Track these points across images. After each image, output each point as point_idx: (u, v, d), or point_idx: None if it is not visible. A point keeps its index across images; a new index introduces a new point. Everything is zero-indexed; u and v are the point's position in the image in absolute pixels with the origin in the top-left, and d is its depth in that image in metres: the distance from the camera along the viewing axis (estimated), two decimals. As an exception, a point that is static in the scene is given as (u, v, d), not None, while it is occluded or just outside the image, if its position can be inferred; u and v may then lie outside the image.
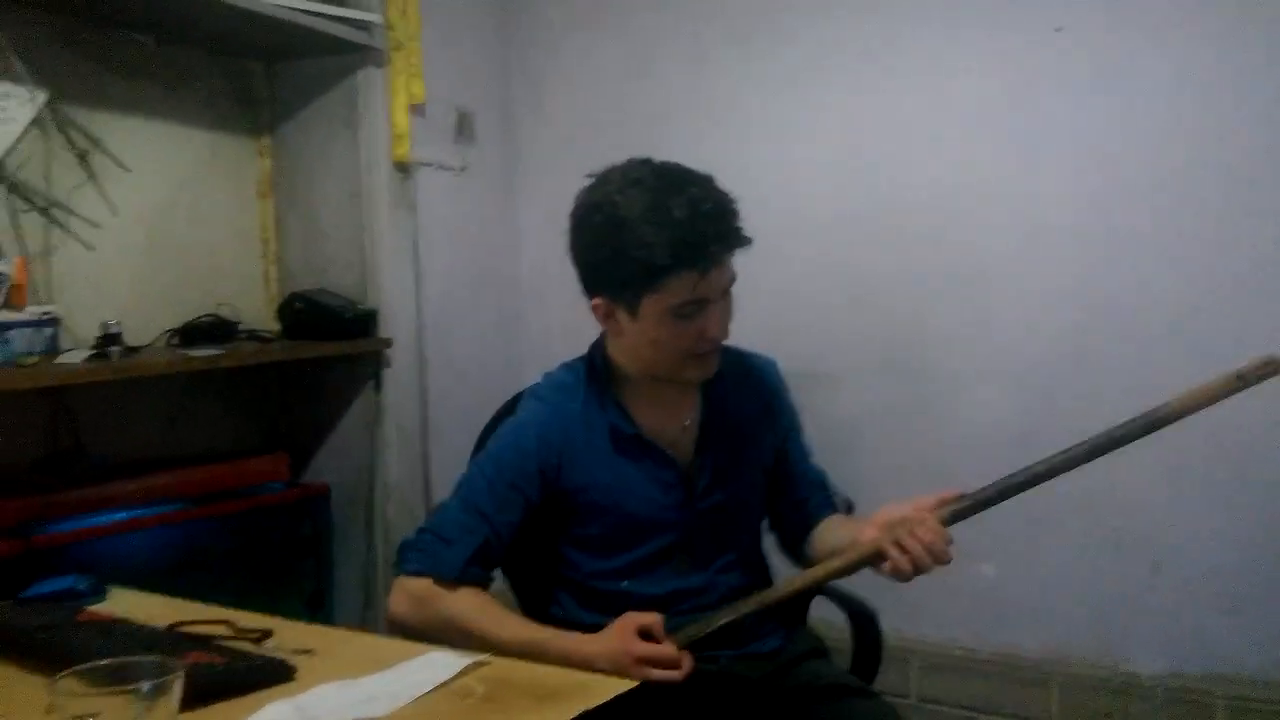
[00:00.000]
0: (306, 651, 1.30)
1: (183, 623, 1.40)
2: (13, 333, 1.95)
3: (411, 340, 2.70)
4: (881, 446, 2.60)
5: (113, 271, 2.36)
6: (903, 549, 1.38)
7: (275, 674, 1.21)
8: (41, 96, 2.16)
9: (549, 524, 1.59)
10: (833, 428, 2.54)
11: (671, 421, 1.61)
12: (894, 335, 2.60)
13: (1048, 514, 2.40)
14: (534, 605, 1.70)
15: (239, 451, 2.56)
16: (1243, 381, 1.35)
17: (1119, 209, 2.36)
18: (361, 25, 2.54)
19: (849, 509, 1.73)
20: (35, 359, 1.97)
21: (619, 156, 1.56)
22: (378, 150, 2.62)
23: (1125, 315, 2.36)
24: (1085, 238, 2.39)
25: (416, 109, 2.68)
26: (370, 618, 2.62)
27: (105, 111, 2.34)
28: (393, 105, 2.63)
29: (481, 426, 1.79)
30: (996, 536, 2.40)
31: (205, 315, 2.45)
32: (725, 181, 1.52)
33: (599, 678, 1.22)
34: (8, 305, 1.98)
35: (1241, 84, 2.25)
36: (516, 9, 3.04)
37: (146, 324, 2.36)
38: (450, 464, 2.49)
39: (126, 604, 1.54)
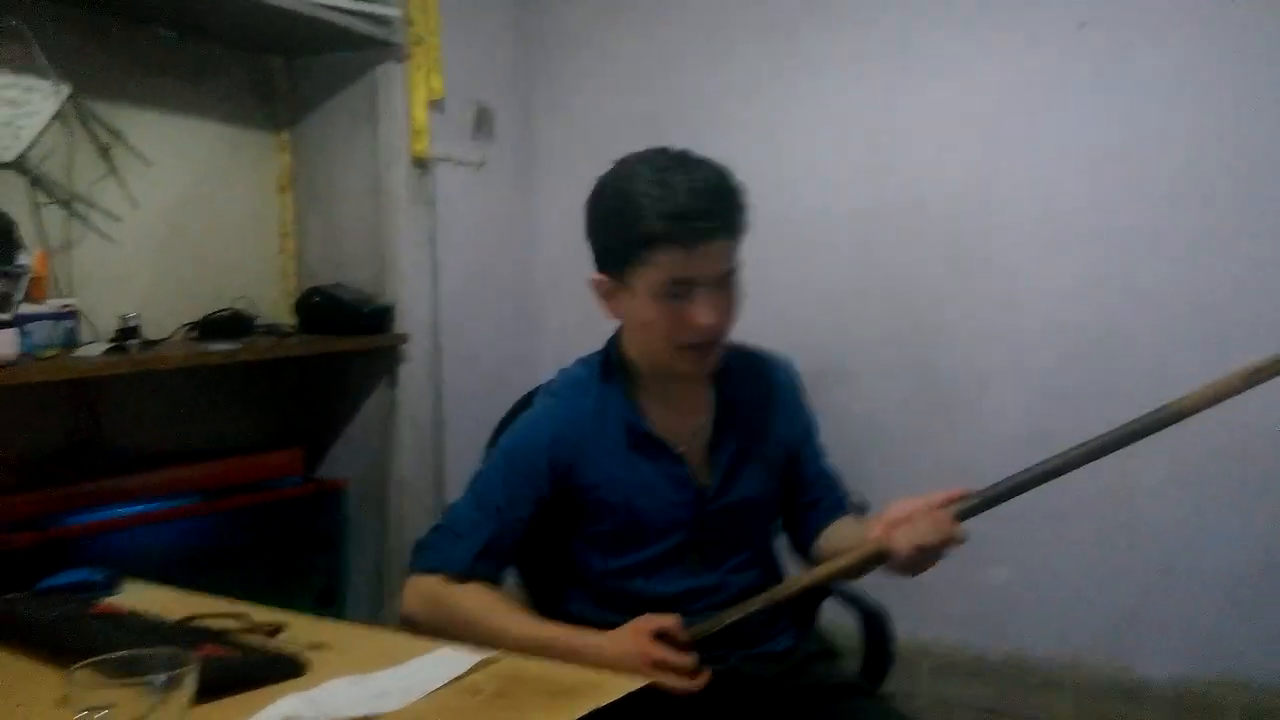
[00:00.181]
0: (319, 646, 1.30)
1: (196, 616, 1.41)
2: (33, 325, 1.96)
3: (427, 335, 2.71)
4: (899, 445, 2.60)
5: (132, 265, 2.37)
6: (910, 537, 1.38)
7: (288, 668, 1.22)
8: (65, 90, 2.17)
9: (560, 522, 1.59)
10: (851, 426, 2.54)
11: (684, 420, 1.60)
12: (912, 333, 2.59)
13: (1061, 517, 2.39)
14: (545, 604, 1.70)
15: (255, 445, 2.57)
16: (1259, 376, 1.34)
17: (1141, 207, 2.35)
18: (382, 20, 2.54)
19: (862, 510, 1.73)
20: (55, 351, 1.98)
21: (637, 153, 1.56)
22: (397, 145, 2.63)
23: (1145, 313, 2.35)
24: (1106, 236, 2.38)
25: (435, 105, 2.69)
26: (381, 614, 2.63)
27: (127, 105, 2.35)
28: (412, 101, 2.63)
29: (496, 422, 1.80)
30: (1009, 539, 2.39)
31: (223, 309, 2.46)
32: (745, 178, 1.51)
33: (610, 675, 1.22)
34: (28, 298, 1.99)
35: (1265, 80, 2.23)
36: (536, 6, 3.05)
37: (165, 317, 2.38)
38: (464, 460, 2.49)
39: (141, 597, 1.55)
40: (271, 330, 2.52)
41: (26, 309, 1.97)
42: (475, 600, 1.48)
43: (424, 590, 1.51)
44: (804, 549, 1.72)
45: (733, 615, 1.48)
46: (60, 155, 2.22)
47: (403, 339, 2.64)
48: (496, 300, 2.96)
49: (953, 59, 2.52)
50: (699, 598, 1.56)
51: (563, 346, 1.76)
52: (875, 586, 1.61)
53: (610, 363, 1.61)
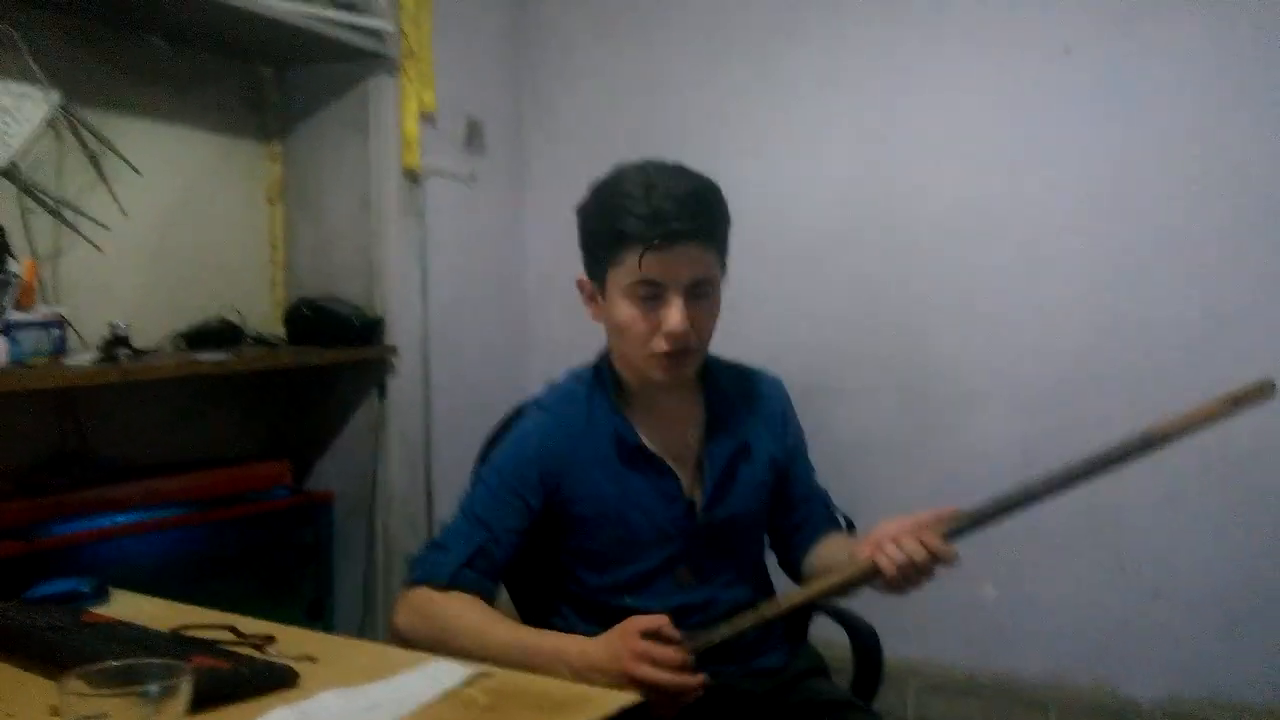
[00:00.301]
0: (309, 658, 1.29)
1: (186, 626, 1.40)
2: (21, 333, 1.96)
3: (417, 348, 2.71)
4: (887, 465, 2.61)
5: (121, 274, 2.37)
6: (895, 556, 1.38)
7: (279, 680, 1.21)
8: (55, 98, 2.17)
9: (550, 537, 1.59)
10: (839, 445, 2.55)
11: (674, 434, 1.60)
12: (901, 353, 2.61)
13: (1049, 538, 2.41)
14: (535, 621, 1.69)
15: (243, 456, 2.57)
16: (1236, 405, 1.35)
17: (1128, 229, 2.38)
18: (374, 33, 2.55)
19: (849, 528, 1.73)
20: (43, 360, 1.98)
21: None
22: (388, 158, 2.64)
23: (1133, 335, 2.37)
24: (1094, 258, 2.41)
25: (427, 117, 2.70)
26: (369, 627, 2.62)
27: (117, 114, 2.35)
28: (403, 113, 2.64)
29: (485, 435, 1.79)
30: (998, 559, 2.41)
31: (212, 319, 2.46)
32: (734, 195, 1.53)
33: (604, 691, 1.22)
34: (16, 306, 1.98)
35: (1251, 104, 2.26)
36: (528, 19, 3.06)
37: (153, 327, 2.37)
38: (452, 473, 2.50)
39: (129, 607, 1.54)
40: (261, 341, 2.52)
41: (15, 317, 1.97)
42: (458, 608, 1.46)
43: (411, 602, 1.50)
44: (792, 566, 1.72)
45: (724, 632, 1.48)
46: (50, 163, 2.21)
47: (392, 351, 2.64)
48: (486, 313, 2.97)
49: (941, 83, 2.55)
50: (690, 613, 1.56)
51: (552, 360, 1.77)
52: (865, 605, 1.61)
53: (601, 376, 1.62)
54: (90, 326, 2.21)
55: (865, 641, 1.72)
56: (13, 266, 2.00)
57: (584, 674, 1.31)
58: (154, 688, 0.93)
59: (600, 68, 2.98)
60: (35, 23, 2.15)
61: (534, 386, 1.70)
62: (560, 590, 1.64)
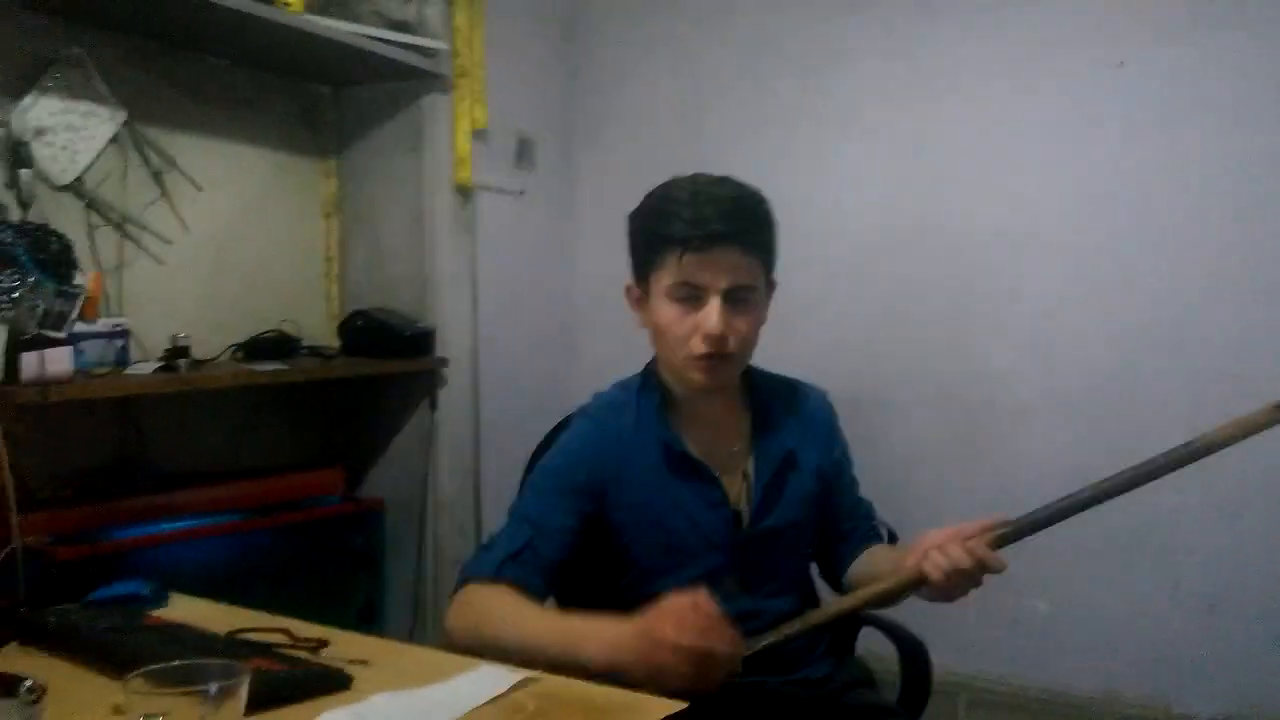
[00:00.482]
0: (362, 662, 1.32)
1: (242, 630, 1.43)
2: (86, 344, 2.01)
3: (467, 360, 2.75)
4: (935, 477, 2.60)
5: (182, 286, 2.42)
6: (942, 564, 1.38)
7: (333, 682, 1.24)
8: (120, 116, 2.23)
9: (595, 545, 1.61)
10: (887, 458, 2.54)
11: (721, 444, 1.61)
12: (949, 366, 2.60)
13: (1102, 552, 2.38)
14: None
15: (297, 464, 2.61)
16: (1278, 414, 1.34)
17: (1179, 243, 2.36)
18: (428, 52, 2.59)
19: (892, 539, 1.73)
20: (107, 369, 2.03)
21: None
22: (440, 173, 2.68)
23: (1184, 349, 2.35)
24: (1144, 271, 2.39)
25: (479, 134, 2.73)
26: (420, 632, 2.65)
27: (179, 132, 2.41)
28: (456, 130, 2.68)
29: (533, 445, 1.81)
30: (1050, 573, 2.39)
31: (269, 331, 2.51)
32: (783, 211, 1.55)
33: (650, 698, 1.23)
34: (82, 317, 2.03)
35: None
36: (579, 39, 3.10)
37: (212, 339, 2.42)
38: (502, 482, 2.52)
39: (187, 610, 1.58)
40: (315, 352, 2.57)
41: (80, 328, 2.02)
42: (497, 600, 1.45)
43: (457, 601, 1.50)
44: (835, 577, 1.73)
45: (769, 639, 1.49)
46: (115, 179, 2.27)
47: (443, 362, 2.67)
48: (534, 326, 3.00)
49: (993, 97, 2.54)
50: (736, 623, 1.56)
51: (599, 372, 1.79)
52: (914, 618, 1.61)
53: (647, 385, 1.63)
54: (152, 338, 2.26)
55: (914, 654, 1.72)
56: (79, 279, 2.05)
57: (615, 651, 1.28)
58: (213, 688, 0.95)
59: (648, 86, 3.01)
60: (103, 44, 2.22)
61: (581, 398, 1.72)
62: (605, 601, 1.65)
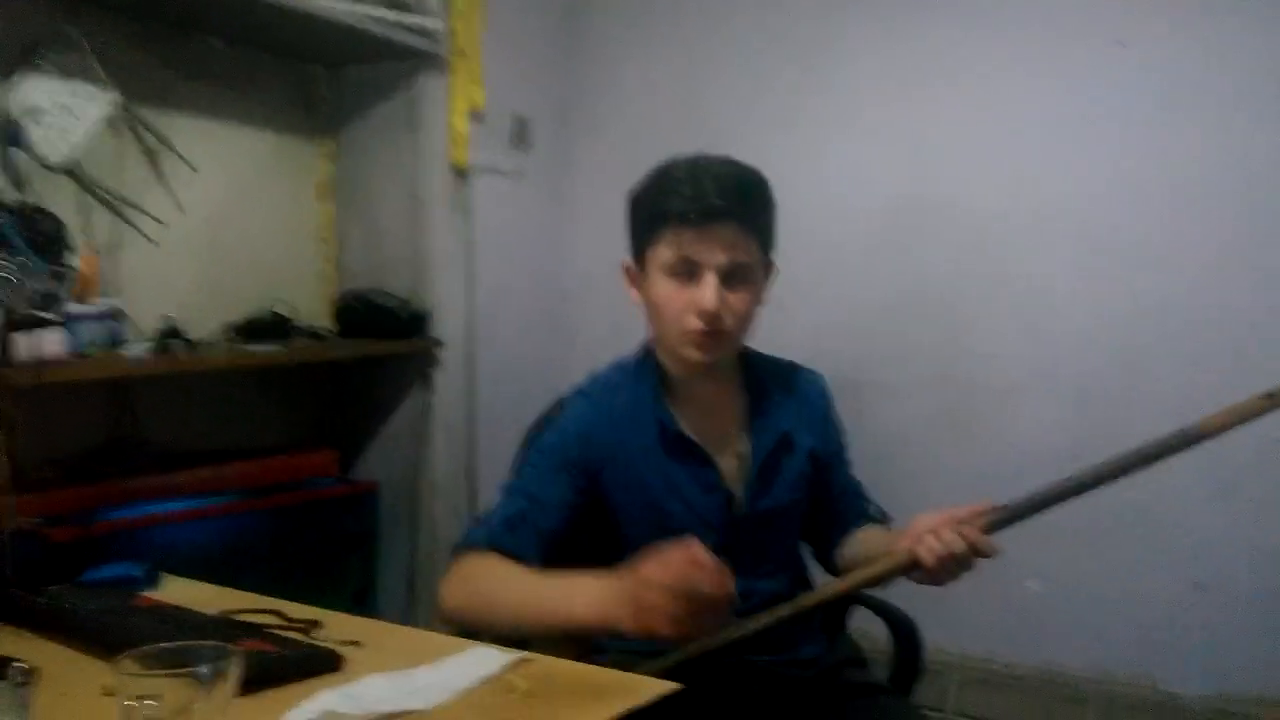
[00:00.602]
0: (354, 643, 1.33)
1: (234, 611, 1.43)
2: (79, 325, 2.00)
3: (462, 341, 2.74)
4: (930, 458, 2.61)
5: (176, 268, 2.41)
6: (935, 548, 1.39)
7: (324, 664, 1.24)
8: (114, 96, 2.22)
9: (589, 524, 1.61)
10: (882, 438, 2.56)
11: (716, 426, 1.62)
12: (944, 347, 2.60)
13: (1092, 530, 2.39)
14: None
15: (291, 446, 2.61)
16: (1272, 402, 1.35)
17: (1177, 224, 2.35)
18: (424, 32, 2.58)
19: (884, 519, 1.74)
20: (100, 351, 2.02)
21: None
22: (436, 154, 2.67)
23: (1182, 331, 2.35)
24: (1143, 252, 2.39)
25: (475, 115, 2.72)
26: (413, 614, 2.66)
27: (174, 112, 2.40)
28: (452, 111, 2.67)
29: (528, 427, 1.81)
30: (1040, 552, 2.40)
31: (264, 312, 2.50)
32: (780, 192, 1.56)
33: (643, 679, 1.23)
34: (75, 298, 2.03)
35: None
36: (576, 20, 3.08)
37: (207, 319, 2.41)
38: (496, 464, 2.51)
39: (180, 592, 1.58)
40: (310, 333, 2.56)
41: (73, 309, 2.01)
42: (489, 568, 1.44)
43: (451, 575, 1.49)
44: (827, 558, 1.73)
45: (761, 621, 1.49)
46: (109, 159, 2.26)
47: (438, 344, 2.67)
48: (530, 307, 2.99)
49: (990, 75, 2.53)
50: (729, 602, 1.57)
51: (594, 353, 1.79)
52: (905, 597, 1.62)
53: (644, 366, 1.63)
54: (146, 319, 2.25)
55: (905, 633, 1.73)
56: (72, 260, 2.04)
57: (604, 604, 1.26)
58: (205, 669, 0.95)
59: (646, 68, 2.99)
60: (97, 24, 2.20)
61: (576, 379, 1.72)
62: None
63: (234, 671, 0.96)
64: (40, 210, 2.03)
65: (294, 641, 1.31)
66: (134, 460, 2.26)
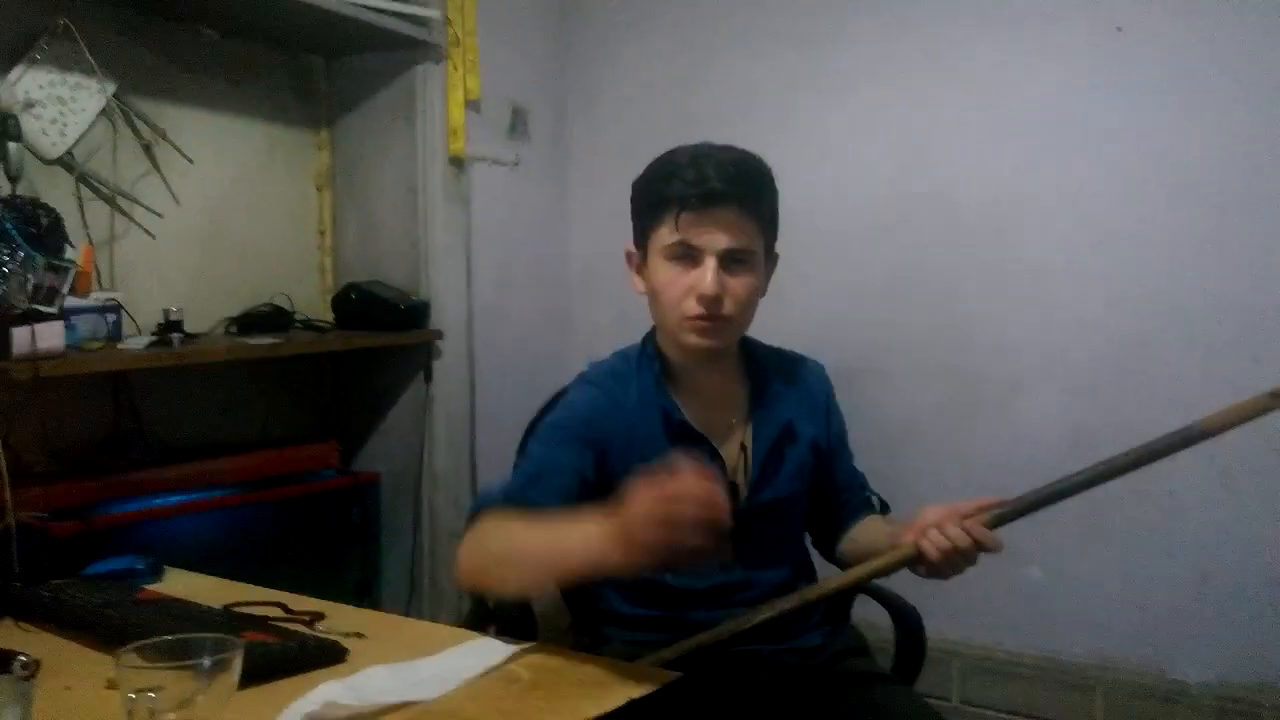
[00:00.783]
0: (357, 635, 1.33)
1: (238, 604, 1.44)
2: (78, 318, 2.00)
3: (462, 332, 2.74)
4: (934, 448, 2.60)
5: (174, 260, 2.41)
6: (939, 542, 1.39)
7: (328, 655, 1.24)
8: (110, 88, 2.21)
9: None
10: (885, 429, 2.55)
11: (719, 416, 1.61)
12: (948, 337, 2.59)
13: (1097, 518, 2.39)
14: (577, 596, 1.71)
15: (291, 438, 2.61)
16: (1276, 400, 1.35)
17: (1179, 211, 2.34)
18: (421, 21, 2.57)
19: (884, 510, 1.73)
20: (99, 344, 2.02)
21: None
22: (433, 144, 2.66)
23: (1185, 319, 2.34)
24: (1144, 241, 2.38)
25: (472, 104, 2.71)
26: (415, 605, 2.66)
27: (170, 103, 2.39)
28: (449, 100, 2.66)
29: (528, 417, 1.81)
30: (1044, 540, 2.40)
31: (262, 304, 2.50)
32: (780, 180, 1.55)
33: (647, 669, 1.23)
34: (73, 292, 2.02)
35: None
36: (573, 8, 3.07)
37: (205, 312, 2.42)
38: (497, 455, 2.52)
39: (182, 584, 1.58)
40: (309, 325, 2.56)
41: (72, 302, 2.01)
42: (497, 524, 1.37)
43: (465, 539, 1.42)
44: (828, 548, 1.73)
45: (765, 613, 1.49)
46: (105, 152, 2.26)
47: (438, 335, 2.67)
48: (529, 297, 2.99)
49: (989, 62, 2.52)
50: (731, 593, 1.57)
51: (594, 343, 1.79)
52: (908, 586, 1.61)
53: (647, 355, 1.63)
54: (144, 312, 2.25)
55: (908, 622, 1.72)
56: (69, 254, 2.04)
57: (600, 545, 1.18)
58: (207, 661, 0.95)
59: (644, 55, 2.98)
60: (91, 15, 2.19)
61: (575, 368, 1.71)
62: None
63: (235, 663, 0.97)
64: (37, 204, 2.03)
65: (297, 633, 1.31)
66: (134, 453, 2.26)
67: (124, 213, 2.30)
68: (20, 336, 1.82)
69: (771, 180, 1.55)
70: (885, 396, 2.63)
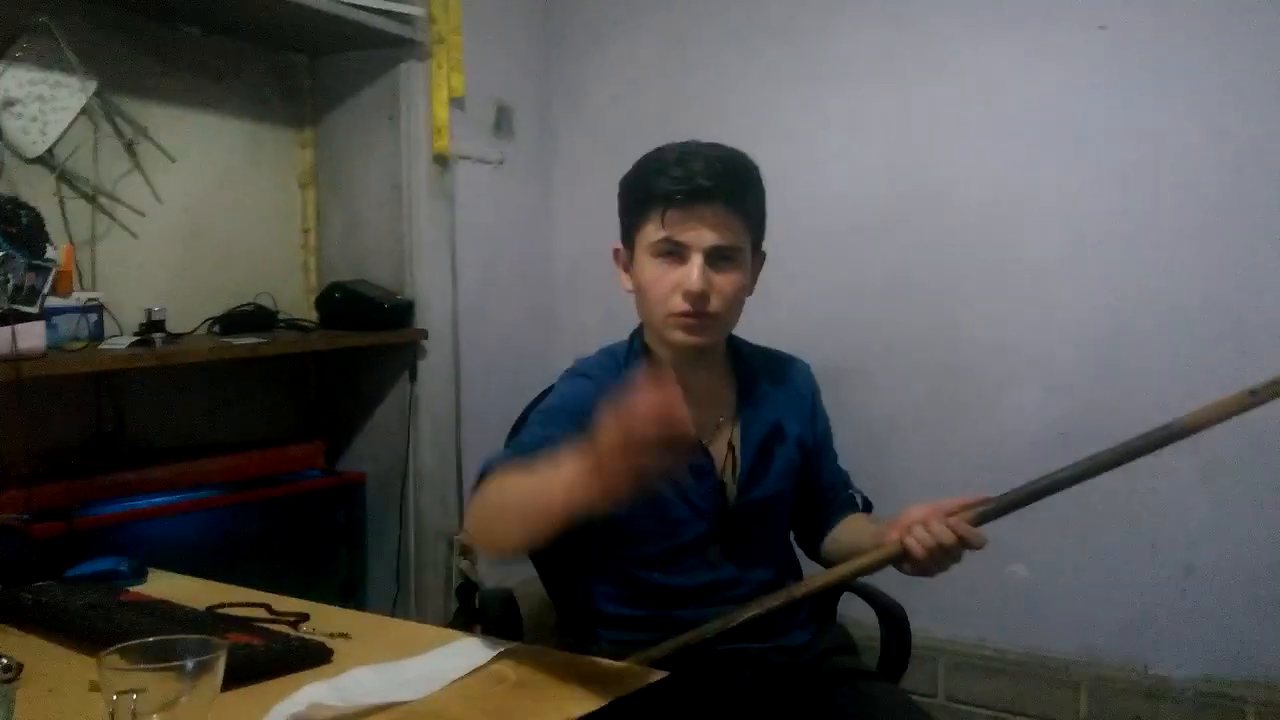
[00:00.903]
0: (342, 635, 1.32)
1: (222, 605, 1.43)
2: (59, 318, 1.99)
3: (447, 331, 2.73)
4: (919, 447, 2.60)
5: (156, 259, 2.39)
6: (924, 540, 1.39)
7: (313, 656, 1.24)
8: (91, 86, 2.20)
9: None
10: (871, 427, 2.55)
11: (706, 414, 1.61)
12: (934, 336, 2.59)
13: (1081, 515, 2.39)
14: (564, 596, 1.71)
15: (276, 439, 2.59)
16: (1255, 399, 1.36)
17: (1164, 209, 2.34)
18: (404, 19, 2.56)
19: (867, 508, 1.74)
20: (81, 344, 2.01)
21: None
22: (418, 143, 2.65)
23: (1170, 318, 2.34)
24: (1129, 239, 2.38)
25: (456, 102, 2.70)
26: (401, 606, 2.65)
27: (152, 101, 2.37)
28: (433, 99, 2.65)
29: (514, 417, 1.81)
30: (1029, 537, 2.41)
31: (246, 304, 2.49)
32: (768, 179, 1.57)
33: (632, 668, 1.23)
34: (54, 291, 2.01)
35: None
36: (557, 5, 3.06)
37: (188, 312, 2.40)
38: (483, 454, 2.51)
39: (166, 586, 1.58)
40: (293, 325, 2.55)
41: (53, 302, 1.99)
42: (496, 481, 1.32)
43: (471, 502, 1.39)
44: (813, 546, 1.74)
45: (752, 610, 1.50)
46: (86, 150, 2.24)
47: (423, 334, 2.66)
48: (514, 296, 2.98)
49: (976, 61, 2.52)
50: (718, 591, 1.58)
51: (579, 342, 1.78)
52: (893, 583, 1.62)
53: (634, 352, 1.63)
54: (126, 311, 2.24)
55: (894, 620, 1.73)
56: (50, 253, 2.02)
57: (577, 484, 1.11)
58: (190, 663, 0.94)
59: (629, 53, 2.97)
60: (71, 12, 2.18)
61: (561, 367, 1.70)
62: (590, 566, 1.65)
63: (219, 665, 0.96)
64: (18, 202, 2.01)
65: (282, 635, 1.30)
66: (117, 454, 2.25)
67: (106, 212, 2.28)
68: (0, 337, 1.80)
69: (758, 178, 1.55)
70: (871, 395, 2.63)
